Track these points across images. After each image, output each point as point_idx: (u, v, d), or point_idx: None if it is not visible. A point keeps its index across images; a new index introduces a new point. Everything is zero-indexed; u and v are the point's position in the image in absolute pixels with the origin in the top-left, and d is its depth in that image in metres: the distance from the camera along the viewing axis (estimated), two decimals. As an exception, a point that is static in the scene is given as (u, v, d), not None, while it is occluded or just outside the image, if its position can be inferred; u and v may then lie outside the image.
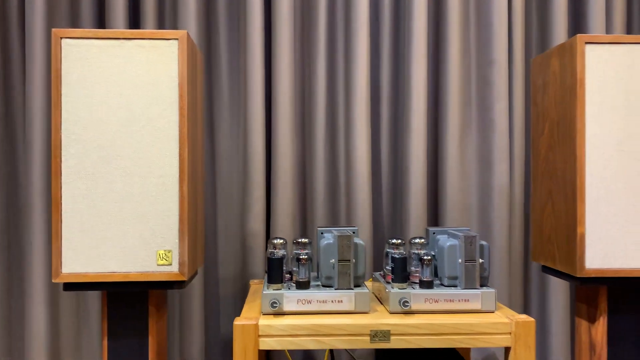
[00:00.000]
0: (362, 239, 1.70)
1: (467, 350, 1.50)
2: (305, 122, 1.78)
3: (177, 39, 1.09)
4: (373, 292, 1.39)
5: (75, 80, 1.08)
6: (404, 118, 1.74)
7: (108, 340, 1.13)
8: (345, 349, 1.69)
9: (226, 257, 1.76)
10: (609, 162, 1.13)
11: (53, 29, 1.08)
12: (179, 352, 1.72)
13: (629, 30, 1.82)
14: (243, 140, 1.73)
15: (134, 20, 1.73)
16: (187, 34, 1.10)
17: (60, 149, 1.08)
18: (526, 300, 1.80)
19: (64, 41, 1.08)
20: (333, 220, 1.78)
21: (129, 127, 1.09)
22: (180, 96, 1.09)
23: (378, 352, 1.37)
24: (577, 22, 1.81)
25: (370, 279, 1.63)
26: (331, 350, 1.61)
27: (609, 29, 1.78)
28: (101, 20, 1.72)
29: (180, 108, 1.09)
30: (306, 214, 1.79)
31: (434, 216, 1.81)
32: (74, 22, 1.70)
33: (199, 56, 1.27)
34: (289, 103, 1.69)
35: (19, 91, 1.71)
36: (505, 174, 1.73)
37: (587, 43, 1.12)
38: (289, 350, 1.68)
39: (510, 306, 1.74)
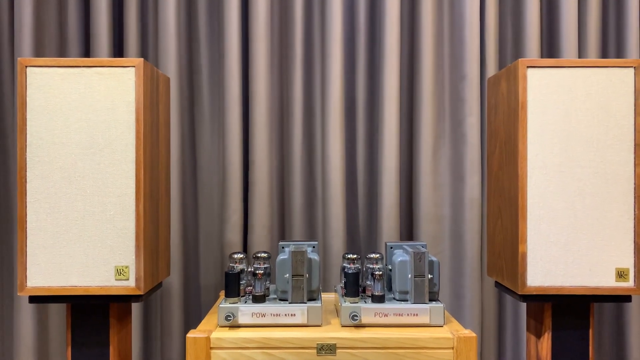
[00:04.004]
0: (336, 251, 1.75)
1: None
2: (283, 135, 1.83)
3: (133, 66, 1.16)
4: (335, 305, 1.44)
5: (39, 106, 1.15)
6: (378, 132, 1.78)
7: (72, 350, 1.20)
8: None
9: (207, 266, 1.83)
10: (550, 183, 1.16)
11: (19, 58, 1.15)
12: (161, 358, 1.79)
13: (603, 49, 1.83)
14: (222, 152, 1.79)
15: (119, 46, 1.81)
16: (144, 61, 1.16)
17: (26, 171, 1.15)
18: (500, 311, 1.83)
19: (28, 69, 1.15)
20: (310, 232, 1.83)
21: (89, 149, 1.16)
22: (137, 120, 1.15)
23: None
24: (551, 38, 1.83)
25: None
26: None
27: (581, 46, 1.80)
28: (87, 50, 1.80)
29: (137, 131, 1.16)
30: (284, 225, 1.84)
31: (409, 228, 1.85)
32: (63, 51, 1.78)
33: (163, 80, 1.33)
34: (265, 116, 1.75)
35: (11, 119, 1.79)
36: (476, 186, 1.76)
37: (528, 67, 1.16)
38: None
39: (484, 319, 1.77)
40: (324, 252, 1.78)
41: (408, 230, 1.85)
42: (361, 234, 1.85)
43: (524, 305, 1.77)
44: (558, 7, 1.78)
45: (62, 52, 1.77)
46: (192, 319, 1.81)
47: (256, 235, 1.76)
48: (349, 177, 1.83)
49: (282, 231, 1.84)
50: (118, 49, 1.80)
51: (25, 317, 1.71)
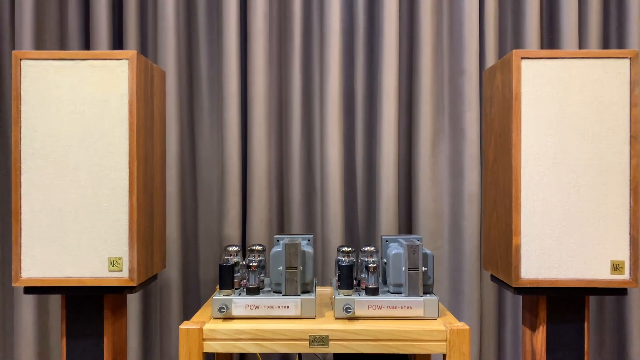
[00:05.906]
0: (334, 245, 1.75)
1: (427, 356, 1.53)
2: (282, 130, 1.83)
3: (127, 59, 1.16)
4: (330, 299, 1.44)
5: (33, 98, 1.16)
6: (376, 126, 1.78)
7: (66, 340, 1.21)
8: (314, 353, 1.74)
9: (206, 261, 1.83)
10: (545, 175, 1.15)
11: (13, 51, 1.16)
12: (160, 352, 1.79)
13: (604, 41, 1.82)
14: (221, 147, 1.79)
15: (119, 40, 1.81)
16: (137, 53, 1.17)
17: (20, 163, 1.16)
18: (500, 306, 1.82)
19: (23, 62, 1.16)
20: (309, 227, 1.83)
21: (83, 142, 1.16)
22: (130, 112, 1.16)
23: (336, 356, 1.41)
24: (552, 32, 1.81)
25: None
26: (299, 354, 1.66)
27: (582, 38, 1.78)
28: (87, 45, 1.81)
29: (130, 124, 1.16)
30: (283, 220, 1.84)
31: (408, 223, 1.84)
32: (63, 45, 1.79)
33: (158, 73, 1.34)
34: (264, 110, 1.75)
35: (9, 111, 1.80)
36: (475, 182, 1.75)
37: (522, 58, 1.15)
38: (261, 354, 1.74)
39: (483, 314, 1.76)
40: (322, 246, 1.78)
41: (407, 226, 1.84)
42: (360, 228, 1.84)
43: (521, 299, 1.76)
44: (558, -1, 1.77)
45: (62, 46, 1.78)
46: (190, 313, 1.81)
47: (254, 230, 1.76)
48: (347, 171, 1.83)
49: (281, 226, 1.84)
50: (118, 44, 1.81)
51: (27, 309, 1.72)
